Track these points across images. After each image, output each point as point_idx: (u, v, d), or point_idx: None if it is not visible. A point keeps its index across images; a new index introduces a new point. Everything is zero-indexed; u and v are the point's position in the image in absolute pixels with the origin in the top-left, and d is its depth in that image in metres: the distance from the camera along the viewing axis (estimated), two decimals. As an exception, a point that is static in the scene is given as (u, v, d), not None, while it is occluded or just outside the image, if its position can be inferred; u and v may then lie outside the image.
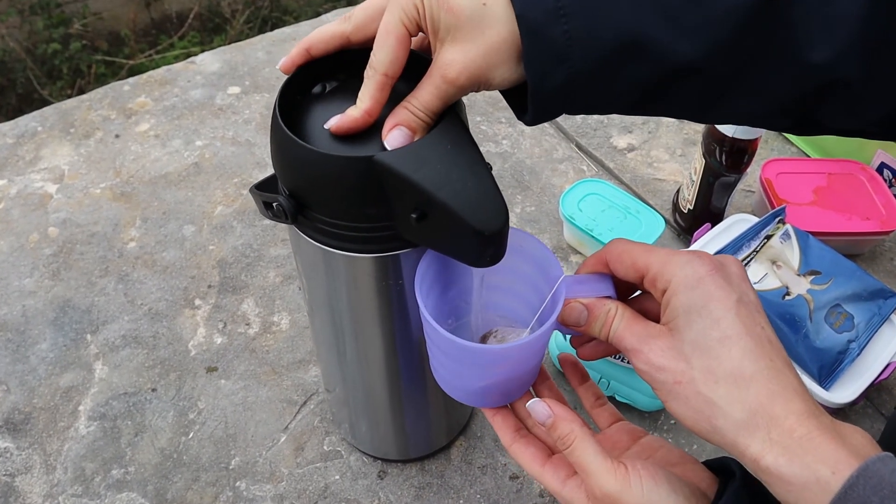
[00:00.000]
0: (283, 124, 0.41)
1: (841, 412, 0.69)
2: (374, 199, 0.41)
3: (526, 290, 0.47)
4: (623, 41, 0.36)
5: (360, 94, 0.40)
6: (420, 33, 0.40)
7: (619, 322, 0.40)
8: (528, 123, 0.40)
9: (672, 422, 0.68)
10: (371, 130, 0.41)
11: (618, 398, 0.68)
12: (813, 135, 0.43)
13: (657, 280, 0.39)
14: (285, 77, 0.44)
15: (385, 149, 0.40)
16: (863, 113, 0.40)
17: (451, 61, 0.38)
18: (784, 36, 0.37)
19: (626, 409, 0.69)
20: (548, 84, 0.37)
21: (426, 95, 0.39)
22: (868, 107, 0.39)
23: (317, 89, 0.45)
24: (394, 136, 0.39)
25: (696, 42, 0.36)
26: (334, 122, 0.41)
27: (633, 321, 0.40)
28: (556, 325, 0.42)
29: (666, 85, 0.38)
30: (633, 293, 0.45)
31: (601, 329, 0.41)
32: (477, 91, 0.40)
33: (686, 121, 1.01)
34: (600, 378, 0.67)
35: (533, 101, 0.38)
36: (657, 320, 0.40)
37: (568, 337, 0.47)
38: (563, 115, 0.40)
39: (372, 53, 0.39)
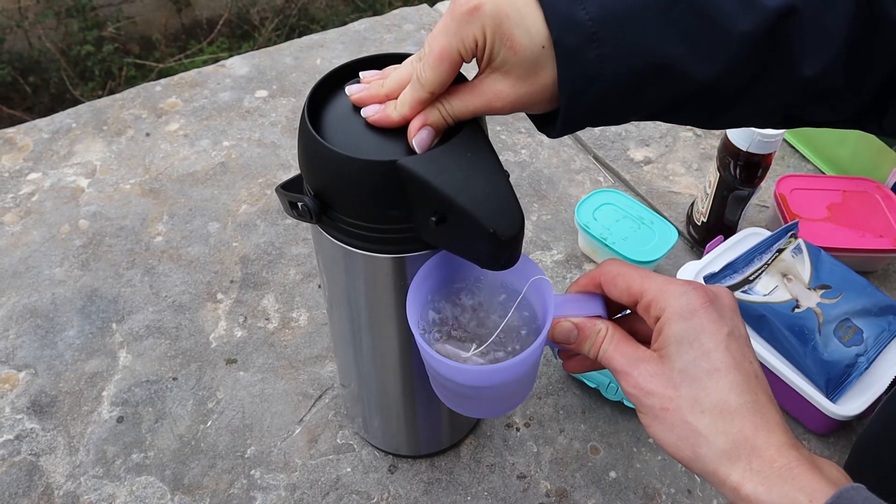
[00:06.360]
0: (311, 128, 0.43)
1: (848, 425, 0.70)
2: (395, 202, 0.42)
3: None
4: (651, 63, 0.38)
5: (402, 96, 0.42)
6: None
7: (609, 343, 0.41)
8: (553, 136, 0.42)
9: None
10: (396, 134, 0.43)
11: (626, 403, 0.69)
12: (793, 128, 0.45)
13: (651, 307, 0.40)
14: (312, 82, 0.46)
15: (410, 148, 0.42)
16: (842, 110, 0.42)
17: (501, 93, 0.40)
18: (783, 53, 0.39)
19: (633, 415, 0.70)
20: (579, 103, 0.39)
21: (463, 108, 0.41)
22: (846, 104, 0.41)
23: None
24: (421, 137, 0.41)
25: (713, 64, 0.38)
26: (371, 112, 0.43)
27: (623, 343, 0.41)
28: (545, 343, 0.43)
29: (681, 102, 0.40)
30: (622, 311, 0.46)
31: (590, 348, 0.42)
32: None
33: (703, 136, 1.03)
34: (609, 383, 0.68)
35: (563, 117, 0.40)
36: (645, 340, 0.41)
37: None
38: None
39: (422, 68, 0.40)
